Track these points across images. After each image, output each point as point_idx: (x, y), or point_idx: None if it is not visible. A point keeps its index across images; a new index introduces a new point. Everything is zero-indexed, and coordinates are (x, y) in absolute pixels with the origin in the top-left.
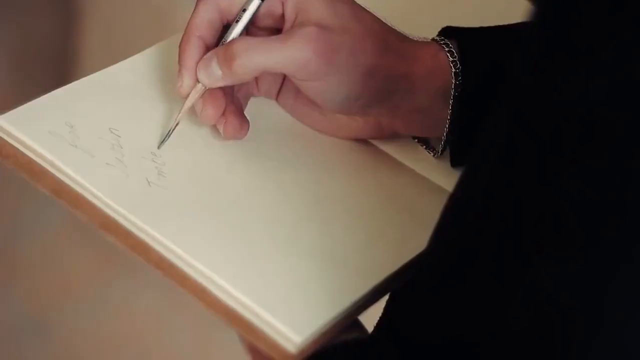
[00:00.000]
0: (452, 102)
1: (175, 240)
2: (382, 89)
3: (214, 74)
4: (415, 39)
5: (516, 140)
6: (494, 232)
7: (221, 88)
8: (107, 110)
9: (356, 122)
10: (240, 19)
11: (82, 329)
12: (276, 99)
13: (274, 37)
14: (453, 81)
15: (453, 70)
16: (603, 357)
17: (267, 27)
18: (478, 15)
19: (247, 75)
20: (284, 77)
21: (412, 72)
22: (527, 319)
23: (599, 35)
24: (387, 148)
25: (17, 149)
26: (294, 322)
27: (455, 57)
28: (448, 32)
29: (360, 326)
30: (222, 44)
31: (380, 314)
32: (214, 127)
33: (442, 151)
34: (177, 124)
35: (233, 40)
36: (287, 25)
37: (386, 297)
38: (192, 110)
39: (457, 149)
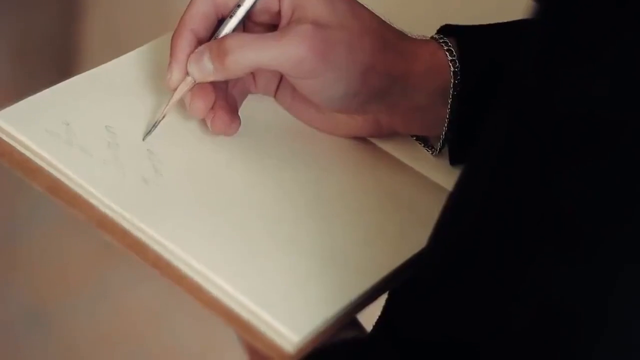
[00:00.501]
0: (451, 101)
1: (172, 239)
2: (379, 86)
3: (205, 69)
4: (414, 37)
5: (516, 139)
6: (493, 232)
7: (212, 82)
8: (103, 108)
9: (354, 120)
10: (234, 14)
11: (81, 322)
12: (274, 96)
13: (268, 34)
14: (452, 80)
15: (452, 69)
16: (606, 356)
17: (263, 23)
18: (477, 12)
19: (239, 71)
20: (281, 75)
21: (410, 71)
22: (527, 319)
23: (600, 33)
24: (386, 146)
25: (13, 147)
26: (292, 321)
27: (454, 55)
28: (447, 30)
29: (358, 325)
30: (215, 39)
31: (379, 313)
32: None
33: (441, 149)
34: (164, 116)
35: (227, 35)
36: (284, 22)
37: (385, 296)
38: (187, 112)
39: (456, 147)
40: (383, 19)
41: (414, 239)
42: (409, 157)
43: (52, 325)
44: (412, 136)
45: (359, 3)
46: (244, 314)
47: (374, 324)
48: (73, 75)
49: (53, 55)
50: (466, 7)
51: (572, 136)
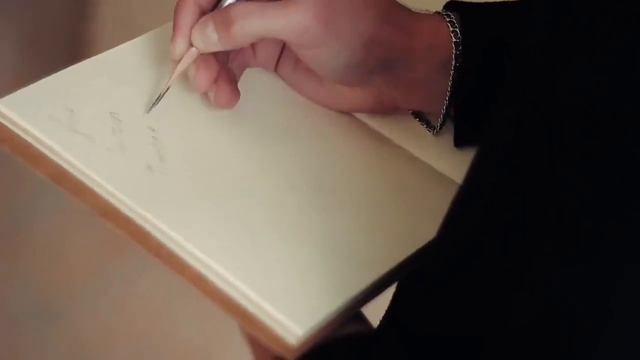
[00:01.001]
0: (453, 72)
1: (175, 228)
2: (382, 58)
3: (210, 39)
4: (418, 11)
5: (522, 131)
6: (500, 224)
7: (214, 55)
8: (108, 94)
9: (356, 93)
10: None
11: (85, 315)
12: (275, 69)
13: (273, 2)
14: (453, 51)
15: (453, 39)
16: (607, 355)
17: None
18: None
19: (245, 40)
20: (283, 47)
21: (412, 43)
22: (531, 313)
23: (606, 27)
24: (393, 136)
25: (15, 133)
26: (296, 314)
27: (455, 27)
28: (452, 6)
29: (363, 319)
30: (219, 9)
31: (385, 307)
32: (217, 113)
33: (441, 126)
34: (167, 89)
35: (231, 4)
36: None
37: (392, 290)
38: (192, 92)
39: (460, 126)
40: None
41: (420, 231)
42: (415, 147)
43: (56, 318)
44: (414, 116)
45: None
46: (248, 306)
47: (380, 318)
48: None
49: (64, 41)
50: None
51: (574, 130)
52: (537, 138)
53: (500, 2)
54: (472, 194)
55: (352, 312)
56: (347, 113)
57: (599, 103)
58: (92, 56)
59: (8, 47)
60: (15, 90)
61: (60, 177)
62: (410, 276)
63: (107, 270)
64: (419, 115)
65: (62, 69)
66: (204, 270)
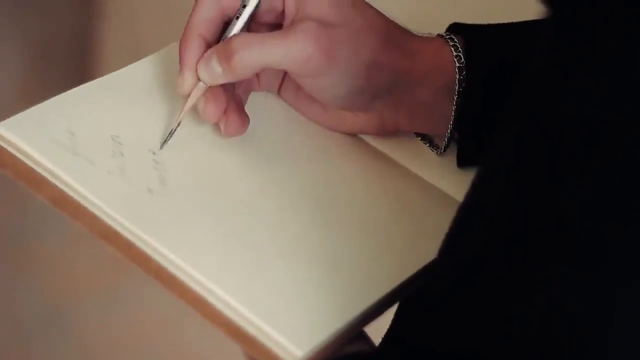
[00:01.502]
0: (457, 97)
1: (175, 251)
2: (384, 84)
3: (215, 72)
4: (420, 35)
5: (525, 147)
6: (502, 239)
7: (222, 85)
8: (109, 117)
9: (358, 117)
10: (240, 15)
11: (95, 325)
12: (278, 93)
13: (274, 32)
14: (457, 75)
15: (457, 64)
16: None
17: (268, 23)
18: (486, 13)
19: (247, 71)
20: (285, 72)
21: (415, 67)
22: (533, 327)
23: (607, 39)
24: (395, 155)
25: (16, 157)
26: (296, 335)
27: (459, 51)
28: (455, 29)
29: (366, 338)
30: (222, 41)
31: (387, 325)
32: (217, 134)
33: (446, 148)
34: (179, 124)
35: (233, 36)
36: (288, 21)
37: (394, 309)
38: (193, 115)
39: (464, 147)
40: (388, 17)
41: (423, 250)
42: (419, 167)
43: (66, 327)
44: (417, 136)
45: (364, 1)
46: (248, 328)
47: (382, 337)
48: (95, 79)
49: (70, 61)
50: (475, 7)
51: (576, 142)
52: (540, 153)
53: (503, 23)
54: (473, 211)
55: (353, 333)
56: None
57: (600, 114)
58: (97, 76)
59: (14, 67)
60: (17, 113)
61: (61, 201)
62: (412, 294)
63: (116, 282)
64: (422, 135)
65: (67, 90)
66: (203, 293)
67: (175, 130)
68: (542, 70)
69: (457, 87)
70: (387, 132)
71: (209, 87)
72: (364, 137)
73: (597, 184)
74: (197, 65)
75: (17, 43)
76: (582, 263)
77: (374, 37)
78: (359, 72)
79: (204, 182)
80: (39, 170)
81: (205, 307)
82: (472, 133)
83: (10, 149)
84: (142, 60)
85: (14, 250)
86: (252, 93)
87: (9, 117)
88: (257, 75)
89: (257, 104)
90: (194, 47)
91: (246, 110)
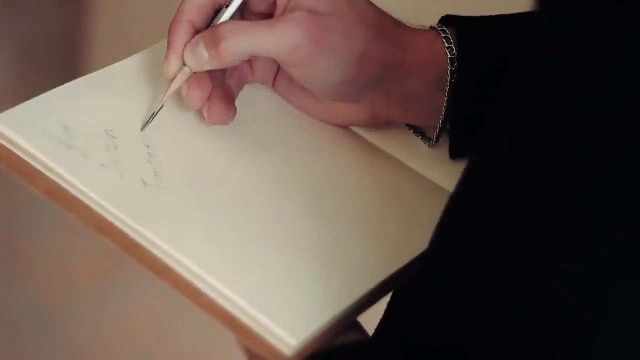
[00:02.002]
0: (448, 89)
1: (169, 241)
2: (375, 74)
3: (201, 57)
4: (412, 27)
5: (520, 137)
6: (494, 230)
7: (209, 72)
8: (103, 111)
9: (350, 108)
10: (230, 3)
11: (85, 324)
12: (272, 86)
13: (263, 21)
14: (448, 67)
15: (448, 56)
16: (605, 357)
17: (260, 13)
18: (479, 5)
19: (233, 58)
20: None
21: (406, 59)
22: (528, 317)
23: (602, 31)
24: (387, 147)
25: (11, 151)
26: (290, 324)
27: (451, 43)
28: (447, 21)
29: (359, 327)
30: (211, 27)
31: (380, 315)
32: (212, 127)
33: (437, 139)
34: (161, 107)
35: (221, 23)
36: (279, 10)
37: (387, 298)
38: (188, 109)
39: (456, 139)
40: (381, 8)
41: (415, 241)
42: (410, 158)
43: (56, 326)
44: (409, 128)
45: None
46: (242, 317)
47: (375, 327)
48: (82, 76)
49: (60, 58)
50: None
51: (572, 134)
52: (533, 144)
53: (496, 15)
54: (464, 201)
55: (347, 322)
56: (343, 126)
57: (595, 105)
58: (89, 71)
59: (4, 65)
60: (10, 108)
61: (55, 193)
62: (404, 285)
63: (107, 280)
64: (414, 128)
65: (57, 86)
66: (198, 283)
67: (157, 113)
68: (535, 62)
69: (449, 79)
70: (379, 123)
71: (195, 72)
72: (356, 129)
73: (590, 174)
74: (183, 50)
75: (4, 42)
76: (575, 253)
77: (366, 28)
78: (349, 62)
79: (198, 174)
80: (33, 163)
81: (199, 297)
82: (464, 125)
83: (3, 142)
84: (135, 55)
85: (3, 250)
86: (246, 86)
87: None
88: (251, 66)
89: (251, 96)
90: (182, 31)
91: (241, 102)
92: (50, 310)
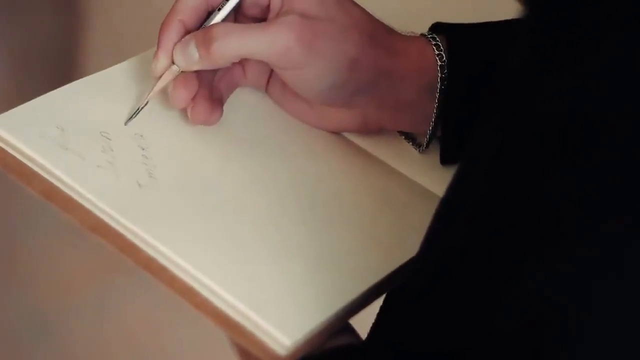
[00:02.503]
0: (438, 95)
1: (165, 241)
2: (366, 81)
3: (191, 57)
4: (404, 34)
5: (507, 141)
6: (484, 232)
7: (196, 73)
8: (98, 114)
9: (342, 114)
10: (223, 6)
11: (83, 330)
12: (265, 90)
13: (255, 24)
14: (439, 74)
15: (439, 63)
16: (590, 357)
17: (254, 17)
18: (470, 12)
19: (224, 60)
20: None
21: (397, 66)
22: (515, 319)
23: (585, 35)
24: (378, 153)
25: (7, 152)
26: (284, 324)
27: (441, 50)
28: (437, 28)
29: (351, 330)
30: (202, 28)
31: (373, 318)
32: (207, 130)
33: (427, 145)
34: (146, 103)
35: (214, 24)
36: (272, 14)
37: (380, 301)
38: (183, 113)
39: (447, 145)
40: (373, 15)
41: (407, 245)
42: (401, 164)
43: (54, 332)
44: (401, 134)
45: None
46: (236, 317)
47: (369, 329)
48: None
49: (55, 61)
50: (460, 7)
51: (558, 136)
52: (522, 146)
53: (485, 22)
54: (454, 205)
55: (340, 324)
56: (335, 132)
57: (577, 108)
58: (83, 77)
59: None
60: (10, 108)
61: (51, 194)
62: (396, 289)
63: (105, 286)
64: (406, 134)
65: (52, 89)
66: (192, 283)
67: (141, 109)
68: (521, 67)
69: (439, 86)
70: (371, 130)
71: (182, 72)
72: (348, 135)
73: (577, 175)
74: (173, 49)
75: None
76: (561, 253)
77: (357, 34)
78: (340, 67)
79: (192, 176)
80: (29, 164)
81: (194, 297)
82: (454, 131)
83: (0, 144)
84: (130, 59)
85: (1, 255)
86: (240, 90)
87: None
88: (244, 69)
89: (245, 101)
90: (173, 30)
91: (235, 107)
92: (49, 316)
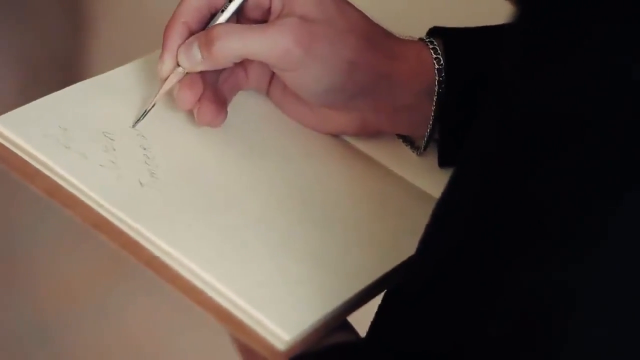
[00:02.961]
0: (436, 99)
1: (166, 239)
2: (364, 83)
3: (194, 58)
4: (402, 38)
5: (498, 140)
6: (477, 235)
7: (202, 75)
8: (101, 114)
9: (340, 116)
10: (226, 8)
11: (84, 336)
12: (266, 93)
13: (256, 25)
14: (436, 77)
15: (436, 66)
16: (579, 353)
17: (255, 19)
18: (468, 16)
19: (225, 60)
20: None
21: (395, 69)
22: (509, 321)
23: (572, 33)
24: (377, 156)
25: (11, 151)
26: (283, 320)
27: (438, 53)
28: (435, 32)
29: (349, 327)
30: (206, 29)
31: (371, 316)
32: (209, 131)
33: (425, 148)
34: (153, 105)
35: (214, 25)
36: (273, 17)
37: (377, 299)
38: (186, 113)
39: (445, 148)
40: (372, 19)
41: (403, 246)
42: (399, 167)
43: (55, 337)
44: (398, 137)
45: (349, 2)
46: (237, 313)
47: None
48: None
49: (61, 66)
50: (457, 11)
51: (541, 135)
52: (510, 147)
53: (482, 26)
54: (450, 207)
55: (338, 320)
56: (334, 135)
57: (567, 107)
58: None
59: (3, 76)
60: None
61: (54, 191)
62: (393, 289)
63: (106, 292)
64: (404, 137)
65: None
66: (194, 280)
67: (148, 111)
68: (511, 67)
69: (436, 89)
70: (369, 133)
71: (188, 73)
72: (347, 138)
73: (561, 174)
74: (177, 51)
75: (3, 54)
76: (549, 253)
77: (355, 38)
78: (338, 69)
79: (193, 176)
80: (33, 163)
81: (195, 294)
82: (452, 134)
83: (4, 142)
84: (133, 62)
85: (2, 261)
86: (241, 93)
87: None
88: (246, 72)
89: (246, 103)
90: (177, 32)
91: (236, 109)
92: (50, 320)
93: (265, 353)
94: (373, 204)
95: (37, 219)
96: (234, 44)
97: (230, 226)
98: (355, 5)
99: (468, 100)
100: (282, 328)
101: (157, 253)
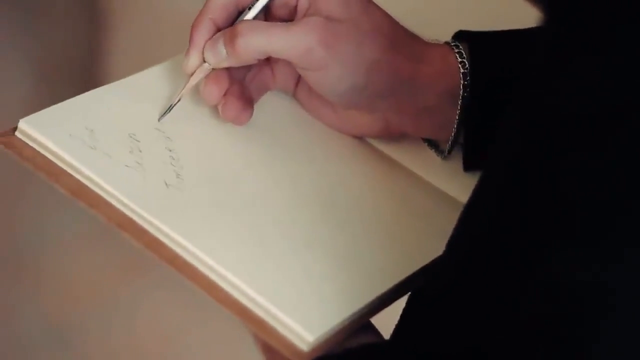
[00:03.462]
0: (461, 102)
1: (190, 238)
2: (386, 85)
3: (220, 54)
4: (427, 40)
5: (527, 139)
6: (505, 230)
7: (228, 71)
8: (126, 116)
9: (365, 119)
10: (253, 5)
11: (96, 337)
12: (293, 94)
13: (280, 23)
14: (461, 81)
15: (461, 70)
16: (608, 346)
17: (282, 18)
18: (493, 20)
19: (248, 56)
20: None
21: (419, 72)
22: (537, 313)
23: (598, 35)
24: (401, 158)
25: (37, 151)
26: (307, 321)
27: (464, 57)
28: (460, 36)
29: (373, 329)
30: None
31: (395, 318)
32: (234, 132)
33: (449, 152)
34: (179, 100)
35: (239, 21)
36: (299, 15)
37: (401, 301)
38: (211, 112)
39: (470, 152)
40: (397, 20)
41: (427, 249)
42: (423, 170)
43: (68, 340)
44: (423, 140)
45: (374, 3)
46: (260, 313)
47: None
48: None
49: (77, 69)
50: (482, 14)
51: (575, 134)
52: (541, 143)
53: (507, 30)
54: (477, 209)
55: (361, 322)
56: (359, 137)
57: (592, 105)
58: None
59: (21, 81)
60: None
61: (79, 192)
62: (417, 292)
63: (116, 296)
64: (428, 140)
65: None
66: (217, 279)
67: (174, 105)
68: (540, 67)
69: (461, 92)
70: (393, 135)
71: (214, 69)
72: (370, 140)
73: (592, 173)
74: (204, 46)
75: (24, 60)
76: (581, 246)
77: (379, 38)
78: (360, 70)
79: (218, 177)
80: (58, 163)
81: (218, 293)
82: (476, 137)
83: (31, 143)
84: (158, 65)
85: (10, 266)
86: (268, 94)
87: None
88: (273, 72)
89: (272, 104)
90: (204, 28)
91: (262, 110)
92: (59, 326)
93: (287, 353)
94: (397, 206)
95: (44, 223)
96: (257, 41)
97: (254, 225)
98: (381, 6)
99: (493, 104)
100: (306, 329)
101: (180, 252)
